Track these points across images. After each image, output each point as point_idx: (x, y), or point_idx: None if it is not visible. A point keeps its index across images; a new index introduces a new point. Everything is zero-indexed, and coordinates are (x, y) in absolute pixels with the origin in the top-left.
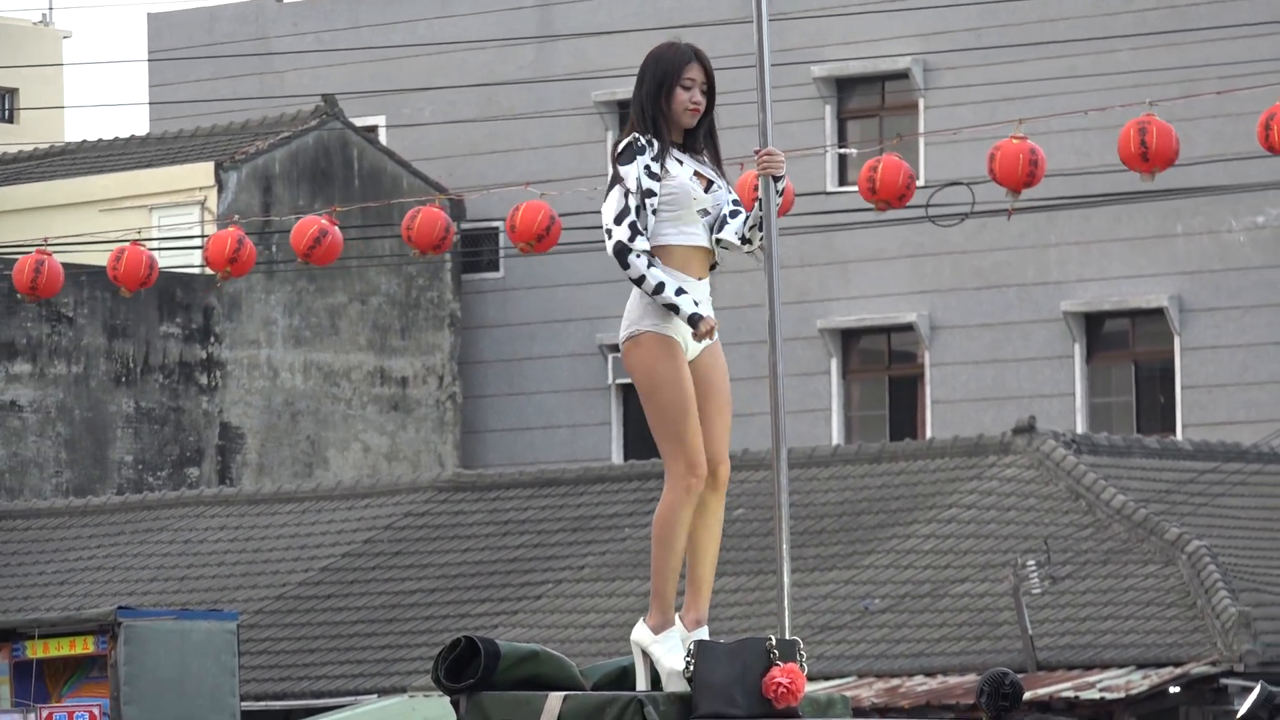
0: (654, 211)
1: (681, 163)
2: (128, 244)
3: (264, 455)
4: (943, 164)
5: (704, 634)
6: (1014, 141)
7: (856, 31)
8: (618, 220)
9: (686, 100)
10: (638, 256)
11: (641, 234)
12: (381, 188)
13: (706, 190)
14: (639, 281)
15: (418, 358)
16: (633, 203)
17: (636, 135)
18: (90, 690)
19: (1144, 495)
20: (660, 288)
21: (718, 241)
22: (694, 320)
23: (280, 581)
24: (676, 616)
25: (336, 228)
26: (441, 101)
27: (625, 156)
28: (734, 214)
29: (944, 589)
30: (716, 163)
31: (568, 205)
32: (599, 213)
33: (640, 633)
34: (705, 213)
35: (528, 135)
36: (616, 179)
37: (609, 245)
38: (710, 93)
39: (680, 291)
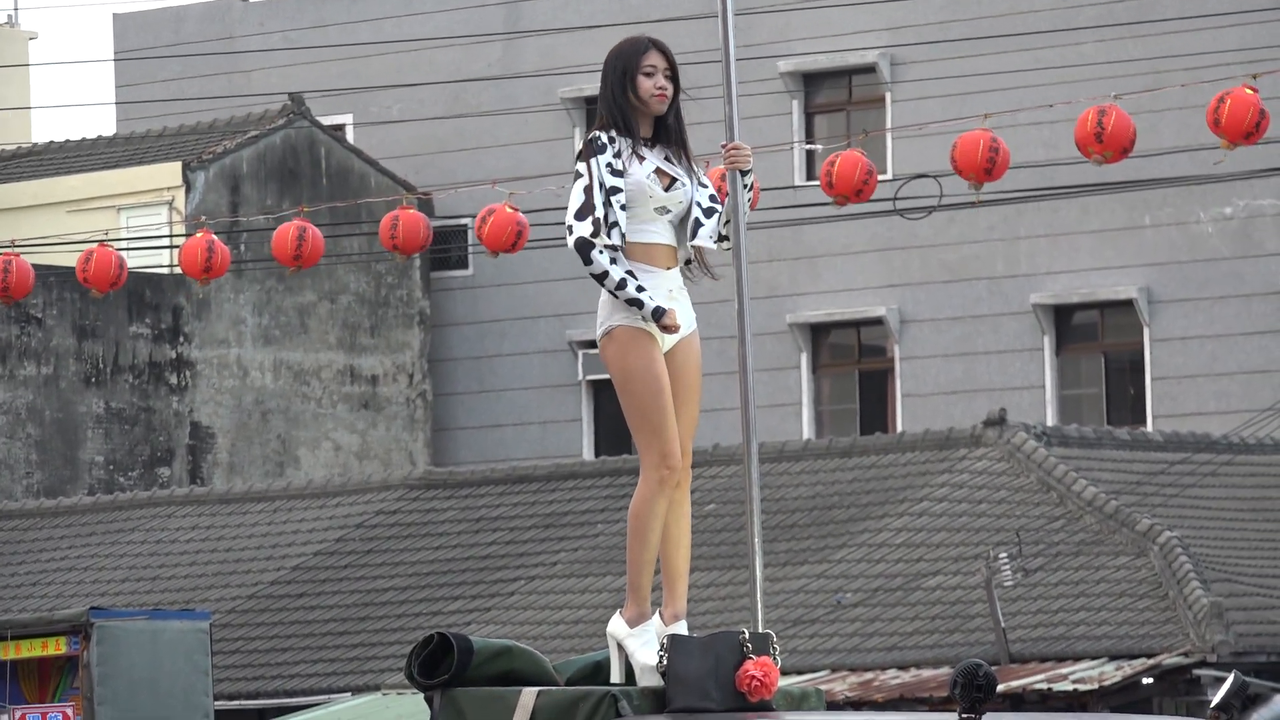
0: (623, 207)
1: (643, 160)
2: (96, 245)
3: (235, 455)
4: (910, 157)
5: (682, 628)
6: (977, 131)
7: (823, 26)
8: (579, 216)
9: (651, 87)
10: (600, 252)
11: (603, 230)
12: (349, 186)
13: (668, 188)
14: (601, 278)
15: (388, 356)
16: (598, 199)
17: (597, 133)
18: (80, 701)
19: (1115, 487)
20: (621, 284)
21: (693, 248)
22: (657, 314)
23: (252, 581)
24: (656, 612)
25: (312, 226)
26: (409, 99)
27: (586, 153)
28: (709, 212)
29: (916, 582)
30: (685, 154)
31: (536, 202)
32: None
33: (616, 625)
34: (665, 210)
35: (496, 132)
36: (578, 175)
37: (570, 240)
38: (674, 79)
39: (641, 288)
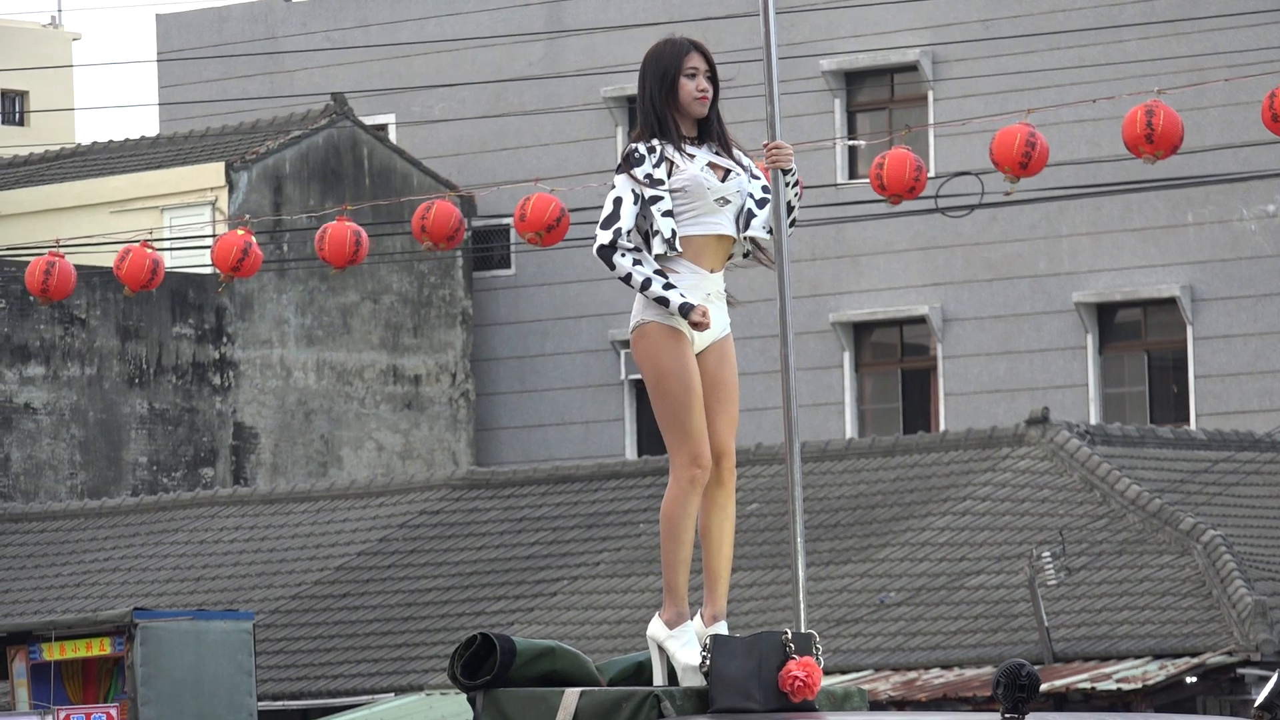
0: (666, 213)
1: (693, 156)
2: (137, 243)
3: (278, 455)
4: (952, 155)
5: (722, 629)
6: (1016, 125)
7: (865, 24)
8: (604, 225)
9: (693, 89)
10: (621, 256)
11: (624, 236)
12: (392, 186)
13: (724, 179)
14: (626, 279)
15: (430, 356)
16: (625, 212)
17: (635, 146)
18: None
19: (1158, 485)
20: (646, 283)
21: (747, 239)
22: (684, 310)
23: (296, 581)
24: (697, 612)
25: (359, 226)
26: (451, 99)
27: (623, 166)
28: (762, 204)
29: (959, 581)
30: (728, 149)
31: (578, 201)
32: None
33: (655, 628)
34: (725, 201)
35: (538, 132)
36: (613, 186)
37: (593, 248)
38: (714, 80)
39: (668, 286)
